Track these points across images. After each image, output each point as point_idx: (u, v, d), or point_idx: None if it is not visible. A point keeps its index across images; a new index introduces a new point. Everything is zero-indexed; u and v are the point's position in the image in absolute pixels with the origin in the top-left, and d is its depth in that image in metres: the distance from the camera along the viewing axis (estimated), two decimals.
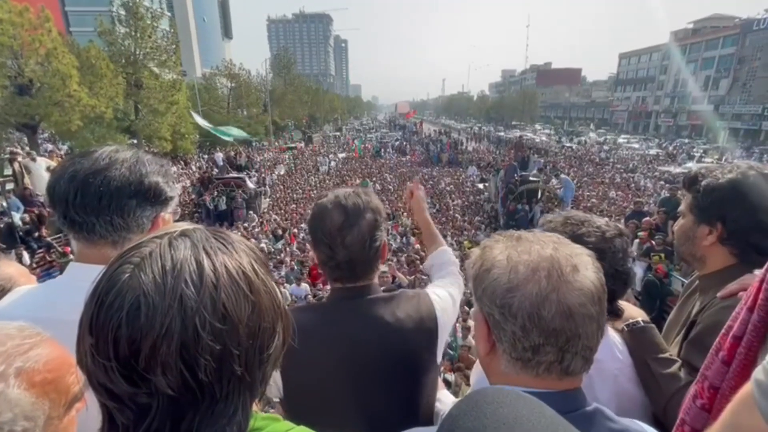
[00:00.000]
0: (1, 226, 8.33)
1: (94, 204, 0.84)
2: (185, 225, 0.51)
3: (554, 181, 16.03)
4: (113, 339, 0.41)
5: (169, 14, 53.00)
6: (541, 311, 0.57)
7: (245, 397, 0.47)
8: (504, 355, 0.62)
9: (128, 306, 0.41)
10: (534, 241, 0.63)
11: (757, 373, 0.51)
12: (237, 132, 19.71)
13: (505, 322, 0.60)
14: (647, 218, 8.16)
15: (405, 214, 15.24)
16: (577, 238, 0.95)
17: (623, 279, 0.95)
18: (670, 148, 37.54)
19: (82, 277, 0.88)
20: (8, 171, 9.81)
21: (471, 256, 0.69)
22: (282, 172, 23.74)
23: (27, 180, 9.85)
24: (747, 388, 0.53)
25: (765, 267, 0.66)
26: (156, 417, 0.42)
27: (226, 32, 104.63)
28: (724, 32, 49.50)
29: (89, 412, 0.63)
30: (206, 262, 0.45)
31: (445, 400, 1.09)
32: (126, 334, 0.41)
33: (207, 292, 0.43)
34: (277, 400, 1.00)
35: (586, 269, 0.59)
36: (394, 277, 5.89)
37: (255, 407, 0.51)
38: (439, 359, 1.06)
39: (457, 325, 6.24)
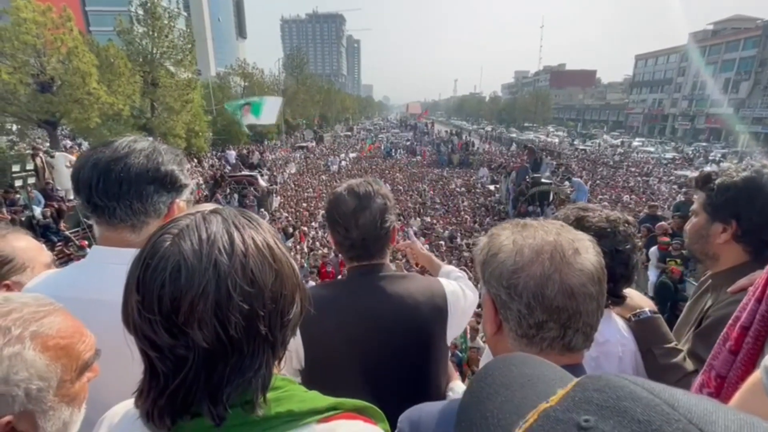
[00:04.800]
0: (23, 219, 8.60)
1: (115, 189, 0.90)
2: (214, 205, 0.57)
3: (566, 183, 15.86)
4: (157, 296, 0.47)
5: (185, 14, 53.90)
6: (545, 290, 0.60)
7: (269, 356, 0.52)
8: (510, 333, 0.66)
9: (171, 268, 0.47)
10: (538, 227, 0.67)
11: (767, 361, 0.53)
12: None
13: (511, 301, 0.63)
14: (662, 222, 8.02)
15: (415, 215, 15.24)
16: (580, 219, 0.99)
17: (623, 259, 0.98)
18: (688, 152, 36.77)
19: (103, 258, 0.94)
20: (30, 166, 10.12)
21: (478, 243, 0.73)
22: (293, 171, 23.94)
23: (48, 174, 10.14)
24: (756, 376, 0.55)
25: None
26: (192, 367, 0.48)
27: (241, 32, 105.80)
28: (745, 34, 48.27)
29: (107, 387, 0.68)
30: (236, 235, 0.50)
31: (457, 390, 1.12)
32: (168, 292, 0.46)
33: (237, 259, 0.49)
34: (298, 368, 1.05)
35: (587, 252, 0.63)
36: None
37: (276, 369, 0.56)
38: (449, 341, 1.13)
39: (467, 326, 6.22)
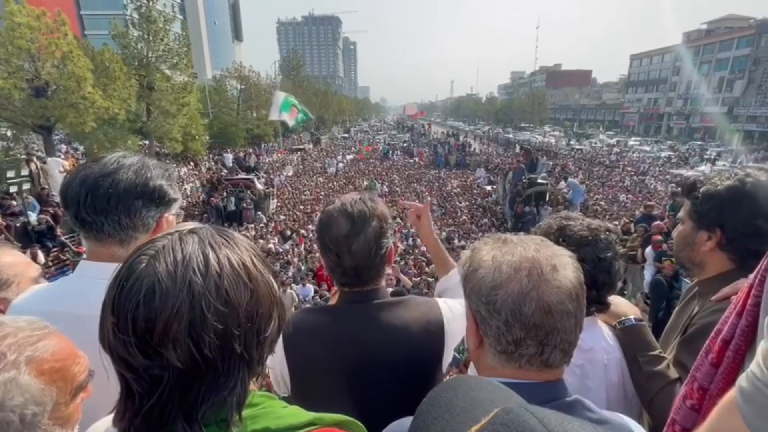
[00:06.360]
0: (17, 225, 8.54)
1: (103, 205, 0.91)
2: (194, 224, 0.57)
3: (562, 183, 15.91)
4: (132, 318, 0.47)
5: (180, 17, 53.89)
6: (522, 307, 0.61)
7: (244, 374, 0.53)
8: (490, 349, 0.66)
9: (145, 290, 0.47)
10: (518, 243, 0.67)
11: (741, 380, 0.53)
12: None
13: (491, 317, 0.64)
14: (658, 222, 8.06)
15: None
16: (563, 229, 1.00)
17: (605, 267, 0.99)
18: (683, 150, 36.99)
19: (91, 273, 0.94)
20: (25, 171, 10.06)
21: (461, 258, 0.73)
22: (290, 174, 23.92)
23: (43, 180, 10.09)
24: (731, 394, 0.56)
25: (753, 274, 0.68)
26: (167, 387, 0.48)
27: (237, 35, 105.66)
28: (738, 33, 48.61)
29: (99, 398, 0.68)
30: (211, 255, 0.51)
31: None
32: (143, 313, 0.47)
33: (212, 279, 0.49)
34: (285, 393, 1.04)
35: (565, 269, 0.63)
36: (398, 280, 5.85)
37: (253, 386, 0.56)
38: (445, 368, 1.07)
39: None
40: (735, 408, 0.53)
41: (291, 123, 17.50)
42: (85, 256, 1.02)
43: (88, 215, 0.91)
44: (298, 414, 0.58)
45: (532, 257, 0.63)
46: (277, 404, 0.58)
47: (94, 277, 0.92)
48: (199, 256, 0.50)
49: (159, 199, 0.98)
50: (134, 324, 0.47)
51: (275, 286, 0.57)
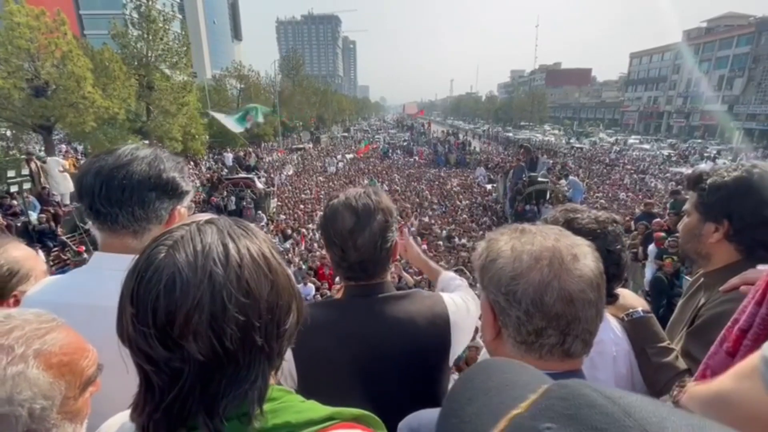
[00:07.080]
0: (18, 224, 8.54)
1: (117, 196, 0.91)
2: (209, 215, 0.57)
3: (562, 182, 15.91)
4: (152, 309, 0.46)
5: (180, 17, 53.86)
6: (544, 297, 0.60)
7: (265, 367, 0.52)
8: (509, 340, 0.66)
9: (165, 280, 0.46)
10: (537, 232, 0.66)
11: (765, 349, 0.53)
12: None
13: (510, 308, 0.63)
14: (658, 219, 8.07)
15: (414, 215, 15.24)
16: (570, 222, 1.00)
17: (614, 259, 0.99)
18: (683, 148, 36.99)
19: (105, 264, 0.94)
20: (25, 171, 10.06)
21: (477, 249, 0.73)
22: (290, 173, 23.89)
23: (43, 179, 10.09)
24: (749, 362, 0.55)
25: None
26: (188, 380, 0.47)
27: (236, 34, 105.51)
28: (738, 31, 48.58)
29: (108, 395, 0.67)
30: (231, 245, 0.50)
31: None
32: (163, 304, 0.46)
33: (233, 270, 0.48)
34: (293, 387, 1.03)
35: (586, 258, 0.63)
36: (400, 277, 5.84)
37: (272, 380, 0.55)
38: (451, 362, 1.07)
39: None
40: (755, 376, 0.52)
41: (252, 121, 17.64)
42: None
43: (102, 206, 0.92)
44: (317, 408, 0.57)
45: (553, 246, 0.63)
46: (296, 398, 0.58)
47: (109, 269, 0.93)
48: (218, 246, 0.49)
49: (172, 191, 0.98)
50: (154, 315, 0.46)
51: (293, 278, 0.56)
